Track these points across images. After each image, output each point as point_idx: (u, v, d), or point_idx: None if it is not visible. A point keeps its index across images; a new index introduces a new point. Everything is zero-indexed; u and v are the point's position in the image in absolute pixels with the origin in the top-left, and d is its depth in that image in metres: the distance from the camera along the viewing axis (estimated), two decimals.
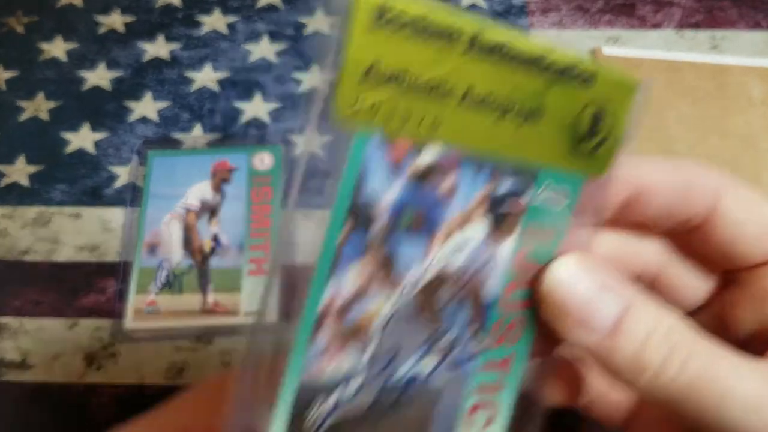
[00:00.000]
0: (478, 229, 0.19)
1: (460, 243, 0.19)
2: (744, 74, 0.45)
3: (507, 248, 0.19)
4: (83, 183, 0.42)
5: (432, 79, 0.16)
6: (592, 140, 0.19)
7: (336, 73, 0.14)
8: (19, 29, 0.49)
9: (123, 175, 0.42)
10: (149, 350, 0.37)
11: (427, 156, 0.17)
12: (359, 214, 0.16)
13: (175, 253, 0.39)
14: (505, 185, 0.18)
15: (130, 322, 0.37)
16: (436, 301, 0.19)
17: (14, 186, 0.42)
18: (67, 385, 0.36)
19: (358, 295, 0.17)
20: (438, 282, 0.18)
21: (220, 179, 0.41)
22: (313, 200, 0.15)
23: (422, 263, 0.18)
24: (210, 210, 0.40)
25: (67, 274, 0.39)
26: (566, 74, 0.17)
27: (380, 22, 0.15)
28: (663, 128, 0.42)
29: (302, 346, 0.16)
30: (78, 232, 0.40)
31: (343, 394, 0.18)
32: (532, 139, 0.18)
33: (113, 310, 0.38)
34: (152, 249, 0.39)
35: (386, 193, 0.17)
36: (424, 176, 0.17)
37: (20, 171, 0.43)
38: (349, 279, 0.17)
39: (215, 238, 0.39)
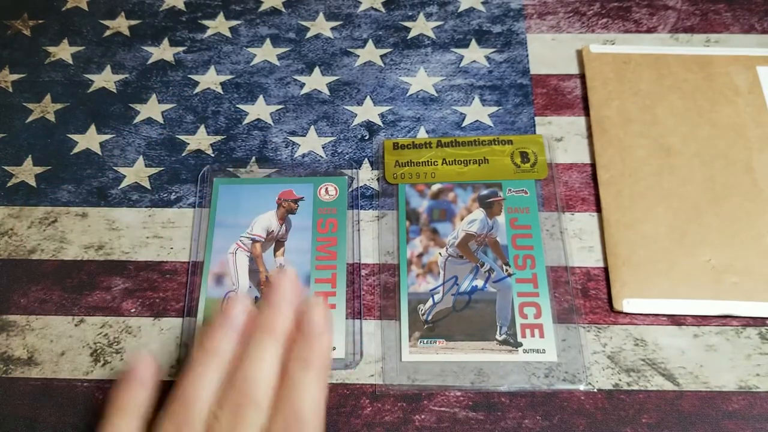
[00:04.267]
0: (479, 212, 0.41)
1: (470, 219, 0.40)
2: (728, 64, 0.45)
3: (502, 219, 0.40)
4: (89, 183, 0.43)
5: (425, 160, 0.43)
6: (527, 163, 0.42)
7: (383, 166, 0.43)
8: (26, 32, 0.50)
9: (129, 175, 0.43)
10: (154, 346, 0.37)
11: (435, 187, 0.42)
12: (411, 216, 0.41)
13: (242, 284, 0.39)
14: (484, 191, 0.41)
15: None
16: (469, 249, 0.39)
17: (21, 186, 0.43)
18: (74, 381, 0.36)
19: (424, 251, 0.40)
20: (466, 239, 0.40)
21: (286, 210, 0.40)
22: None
23: (453, 232, 0.40)
24: (275, 240, 0.40)
25: (73, 273, 0.40)
26: (495, 142, 0.43)
27: (396, 147, 0.43)
28: (656, 123, 0.43)
29: (404, 275, 0.39)
30: (84, 232, 0.41)
31: (434, 299, 0.38)
32: (487, 171, 0.42)
33: (119, 307, 0.38)
34: (218, 279, 0.39)
35: (421, 205, 0.41)
36: (437, 195, 0.42)
37: (27, 171, 0.43)
38: (416, 244, 0.40)
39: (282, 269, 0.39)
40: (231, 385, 0.30)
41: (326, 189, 0.42)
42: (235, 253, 0.40)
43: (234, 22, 0.50)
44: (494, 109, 0.45)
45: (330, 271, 0.39)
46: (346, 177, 0.42)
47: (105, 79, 0.47)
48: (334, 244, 0.40)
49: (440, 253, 0.39)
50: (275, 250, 0.40)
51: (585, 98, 0.45)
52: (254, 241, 0.40)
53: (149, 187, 0.43)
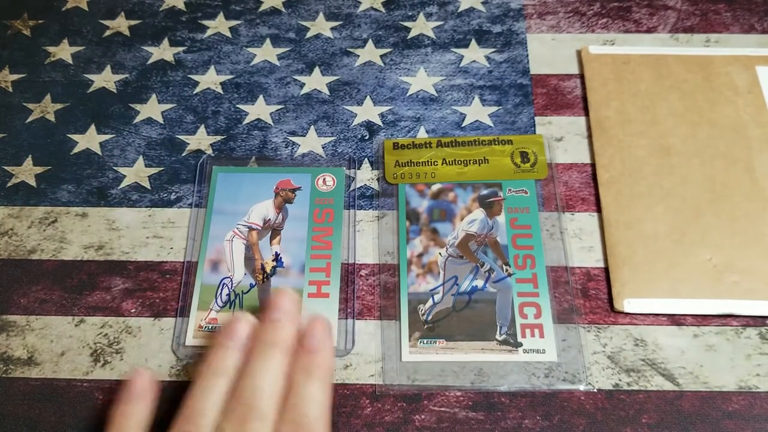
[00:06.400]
0: (479, 212, 0.41)
1: (470, 219, 0.40)
2: (727, 64, 0.45)
3: (502, 219, 0.40)
4: (89, 183, 0.43)
5: (425, 160, 0.43)
6: (527, 163, 0.42)
7: (383, 166, 0.43)
8: (26, 32, 0.50)
9: (129, 175, 0.43)
10: (154, 346, 0.37)
11: (435, 187, 0.42)
12: (411, 216, 0.41)
13: (237, 272, 0.39)
14: (484, 191, 0.41)
15: (190, 338, 0.37)
16: (469, 249, 0.39)
17: (21, 186, 0.43)
18: (74, 381, 0.36)
19: (424, 251, 0.39)
20: (466, 239, 0.40)
21: (283, 199, 0.41)
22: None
23: (453, 232, 0.40)
24: (272, 229, 0.40)
25: (73, 273, 0.40)
26: (495, 142, 0.43)
27: (396, 147, 0.43)
28: (656, 123, 0.43)
29: (404, 275, 0.39)
30: (84, 232, 0.41)
31: (434, 299, 0.38)
32: (487, 171, 0.42)
33: (119, 307, 0.38)
34: (214, 266, 0.39)
35: (421, 205, 0.41)
36: (437, 195, 0.41)
37: (27, 171, 0.43)
38: (416, 244, 0.40)
39: (277, 258, 0.39)
40: (236, 397, 0.31)
41: (324, 179, 0.42)
42: (232, 240, 0.40)
43: (234, 22, 0.50)
44: (494, 109, 0.45)
45: (325, 260, 0.39)
46: (344, 168, 0.42)
47: (105, 79, 0.47)
48: (330, 234, 0.40)
49: (440, 253, 0.39)
50: (271, 239, 0.40)
51: (585, 98, 0.45)
52: (251, 229, 0.40)
53: (149, 187, 0.43)
